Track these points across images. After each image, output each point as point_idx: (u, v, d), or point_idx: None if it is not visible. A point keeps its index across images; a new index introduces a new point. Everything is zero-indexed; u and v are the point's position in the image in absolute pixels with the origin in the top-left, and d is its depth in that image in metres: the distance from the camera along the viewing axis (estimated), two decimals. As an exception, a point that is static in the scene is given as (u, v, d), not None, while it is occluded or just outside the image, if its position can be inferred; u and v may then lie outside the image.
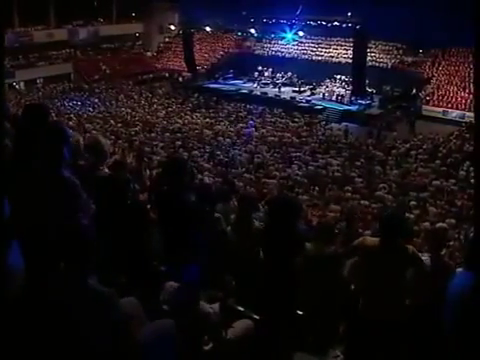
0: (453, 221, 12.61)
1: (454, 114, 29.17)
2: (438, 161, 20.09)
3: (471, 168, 18.76)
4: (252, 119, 27.59)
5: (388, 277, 4.14)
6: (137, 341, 2.94)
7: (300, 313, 4.32)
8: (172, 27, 43.52)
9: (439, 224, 6.59)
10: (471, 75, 31.15)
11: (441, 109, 29.81)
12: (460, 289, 2.52)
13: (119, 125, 25.22)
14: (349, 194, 15.58)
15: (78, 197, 3.32)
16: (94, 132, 21.70)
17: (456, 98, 30.26)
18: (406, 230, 4.68)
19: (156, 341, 2.98)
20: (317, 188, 16.23)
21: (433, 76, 32.92)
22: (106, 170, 4.62)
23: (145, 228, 3.79)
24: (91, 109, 30.46)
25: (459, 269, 4.66)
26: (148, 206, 4.84)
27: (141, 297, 3.22)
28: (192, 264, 3.23)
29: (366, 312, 4.33)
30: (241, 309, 3.92)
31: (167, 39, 46.12)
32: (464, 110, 29.04)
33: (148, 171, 7.16)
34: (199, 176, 13.78)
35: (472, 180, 17.47)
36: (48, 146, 3.25)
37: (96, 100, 32.99)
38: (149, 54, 45.68)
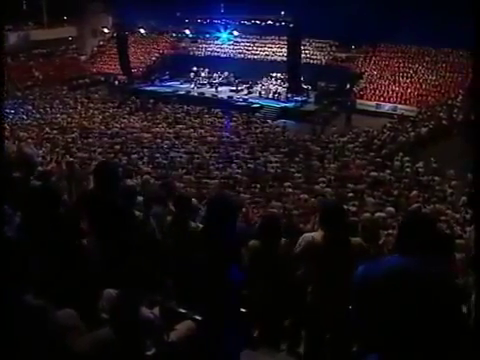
0: (392, 209, 12.90)
1: (387, 107, 30.12)
2: (373, 153, 20.67)
3: (405, 158, 19.46)
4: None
5: (335, 270, 4.10)
6: (76, 353, 2.89)
7: (243, 311, 4.34)
8: (106, 30, 42.72)
9: (377, 214, 6.83)
10: (401, 70, 32.34)
11: (374, 102, 30.69)
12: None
13: (55, 132, 24.58)
14: (289, 190, 15.81)
15: None
16: (29, 141, 21.14)
17: (388, 92, 31.23)
18: (347, 222, 4.71)
19: (96, 351, 2.93)
20: (258, 185, 16.39)
21: (365, 71, 33.84)
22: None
23: (78, 236, 3.72)
24: (25, 117, 29.44)
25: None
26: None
27: (78, 307, 3.15)
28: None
29: (315, 306, 4.37)
30: (182, 311, 3.92)
31: (101, 42, 45.23)
32: (396, 103, 30.08)
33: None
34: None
35: (407, 169, 18.15)
36: None
37: (30, 107, 31.91)
38: (83, 58, 44.57)
